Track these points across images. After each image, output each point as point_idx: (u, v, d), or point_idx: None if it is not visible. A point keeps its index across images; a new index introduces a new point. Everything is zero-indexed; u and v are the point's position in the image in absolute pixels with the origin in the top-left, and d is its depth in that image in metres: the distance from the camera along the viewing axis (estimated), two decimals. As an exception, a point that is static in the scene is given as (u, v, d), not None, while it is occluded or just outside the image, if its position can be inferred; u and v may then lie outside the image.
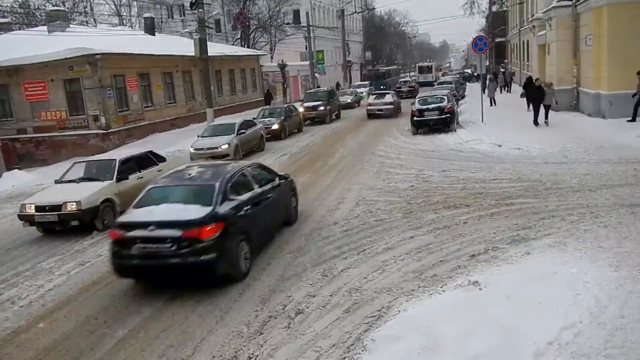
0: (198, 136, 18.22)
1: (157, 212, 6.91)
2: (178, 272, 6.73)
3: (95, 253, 8.99)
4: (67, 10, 36.09)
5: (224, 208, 7.03)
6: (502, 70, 41.19)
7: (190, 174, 7.94)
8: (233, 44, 43.14)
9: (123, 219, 7.24)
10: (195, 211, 6.80)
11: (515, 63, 41.28)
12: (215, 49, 30.67)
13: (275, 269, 7.41)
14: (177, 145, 21.09)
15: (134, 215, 7.11)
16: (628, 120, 15.96)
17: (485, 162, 13.04)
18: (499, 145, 14.88)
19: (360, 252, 7.67)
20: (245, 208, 7.43)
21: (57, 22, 25.70)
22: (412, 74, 66.78)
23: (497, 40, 48.89)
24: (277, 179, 9.04)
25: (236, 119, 19.93)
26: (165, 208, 6.99)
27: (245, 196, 7.66)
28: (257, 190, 8.12)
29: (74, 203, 9.79)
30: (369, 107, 26.03)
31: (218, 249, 6.60)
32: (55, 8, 32.34)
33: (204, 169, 8.27)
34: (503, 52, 49.64)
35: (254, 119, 20.94)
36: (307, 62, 43.01)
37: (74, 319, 6.52)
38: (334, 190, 11.69)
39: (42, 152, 22.14)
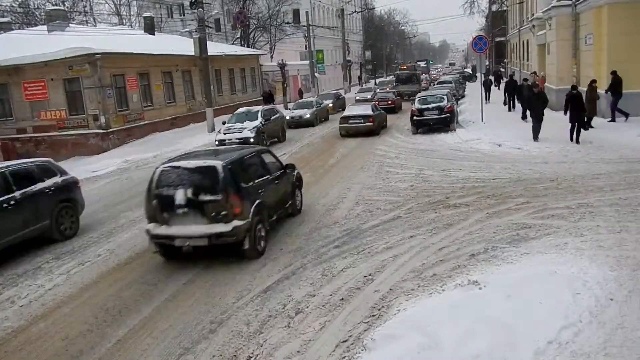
0: None
1: None
2: None
3: (95, 252, 8.99)
4: (66, 9, 36.10)
5: None
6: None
7: None
8: (233, 44, 43.13)
9: None
10: None
11: (515, 63, 41.26)
12: (214, 48, 30.68)
13: (275, 268, 7.41)
14: (177, 145, 21.11)
15: None
16: (609, 121, 16.50)
17: (485, 162, 13.04)
18: (499, 145, 14.89)
19: (360, 251, 7.67)
20: None
21: (57, 21, 25.73)
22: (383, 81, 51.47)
23: (497, 39, 48.92)
24: None
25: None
26: None
27: None
28: None
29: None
30: None
31: None
32: (55, 7, 32.35)
33: None
34: (503, 51, 49.66)
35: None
36: (307, 62, 43.00)
37: (74, 319, 6.52)
38: (334, 190, 11.69)
39: (41, 152, 22.13)
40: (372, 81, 59.91)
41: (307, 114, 25.22)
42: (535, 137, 14.88)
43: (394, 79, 40.38)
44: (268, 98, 34.71)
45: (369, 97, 32.93)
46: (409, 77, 36.91)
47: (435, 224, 8.51)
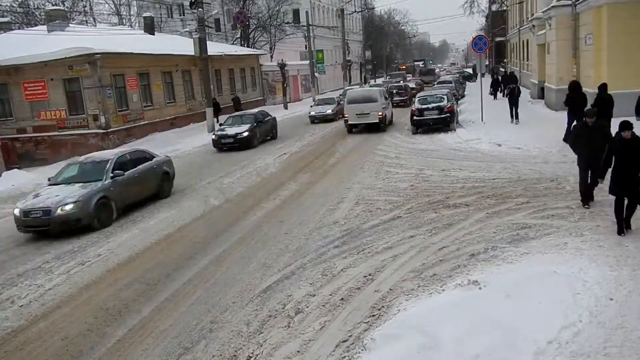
0: None
1: None
2: None
3: (95, 252, 8.99)
4: (66, 9, 36.10)
5: None
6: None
7: None
8: (233, 43, 43.13)
9: None
10: None
11: (515, 62, 41.27)
12: (214, 48, 30.69)
13: (275, 268, 7.42)
14: (177, 145, 21.12)
15: None
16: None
17: (485, 162, 13.04)
18: (499, 145, 14.88)
19: (360, 251, 7.67)
20: None
21: (57, 21, 25.72)
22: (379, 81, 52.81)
23: (497, 39, 48.91)
24: None
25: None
26: None
27: None
28: None
29: None
30: None
31: None
32: (55, 7, 32.36)
33: None
34: (503, 51, 49.65)
35: None
36: (307, 62, 42.99)
37: (74, 319, 6.52)
38: (334, 189, 11.69)
39: (41, 152, 22.14)
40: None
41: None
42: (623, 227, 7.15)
43: (418, 72, 57.42)
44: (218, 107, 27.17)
45: (330, 112, 26.38)
46: (428, 70, 56.26)
47: (435, 224, 8.51)
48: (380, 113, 19.86)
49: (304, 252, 7.94)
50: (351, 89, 33.81)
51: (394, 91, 31.30)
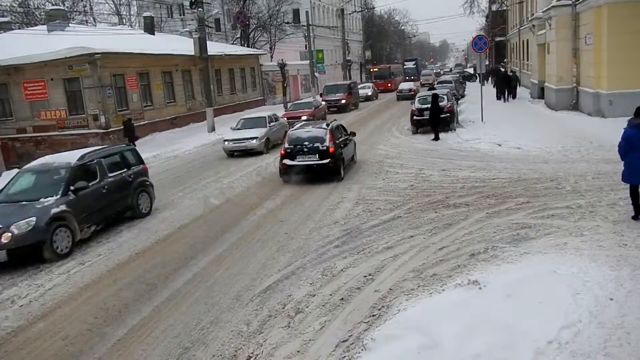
0: None
1: None
2: None
3: (95, 252, 8.99)
4: (66, 9, 36.09)
5: None
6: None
7: None
8: (233, 43, 43.14)
9: None
10: None
11: (515, 62, 41.25)
12: (215, 48, 30.69)
13: (275, 268, 7.42)
14: (177, 144, 21.12)
15: None
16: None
17: (485, 162, 13.04)
18: (499, 145, 14.88)
19: (359, 251, 7.67)
20: None
21: (57, 21, 25.74)
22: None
23: (497, 39, 48.91)
24: None
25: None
26: None
27: None
28: None
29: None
30: None
31: None
32: (55, 7, 32.37)
33: None
34: (503, 51, 49.63)
35: None
36: (307, 62, 42.98)
37: (74, 319, 6.52)
38: (333, 189, 11.69)
39: (41, 152, 22.13)
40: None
41: None
42: None
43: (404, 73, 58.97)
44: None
45: (255, 142, 17.30)
46: (458, 64, 73.73)
47: (435, 224, 8.51)
48: (433, 79, 43.45)
49: (304, 252, 7.94)
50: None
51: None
